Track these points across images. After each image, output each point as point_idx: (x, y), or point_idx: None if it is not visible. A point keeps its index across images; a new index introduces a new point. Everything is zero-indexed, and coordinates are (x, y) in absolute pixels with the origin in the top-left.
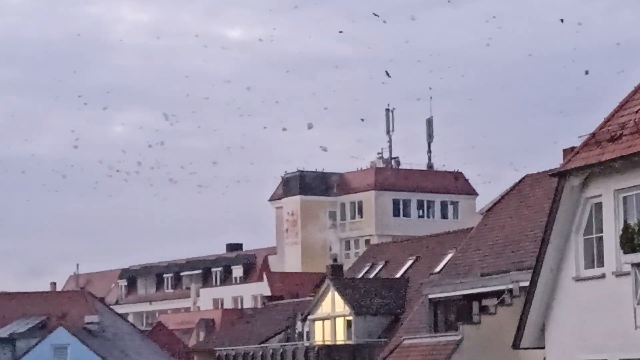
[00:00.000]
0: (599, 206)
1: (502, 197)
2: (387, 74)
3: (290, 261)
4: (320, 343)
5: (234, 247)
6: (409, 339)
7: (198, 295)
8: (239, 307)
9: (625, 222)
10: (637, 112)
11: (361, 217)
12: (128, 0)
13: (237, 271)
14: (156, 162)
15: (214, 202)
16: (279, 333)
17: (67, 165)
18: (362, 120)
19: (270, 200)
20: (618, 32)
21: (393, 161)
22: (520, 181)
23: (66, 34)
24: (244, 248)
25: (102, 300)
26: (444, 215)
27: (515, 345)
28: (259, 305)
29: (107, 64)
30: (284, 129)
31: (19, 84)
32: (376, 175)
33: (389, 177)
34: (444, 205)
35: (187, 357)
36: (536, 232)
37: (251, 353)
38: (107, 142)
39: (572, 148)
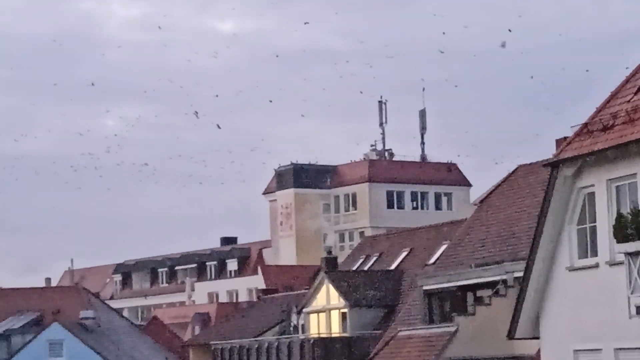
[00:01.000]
0: (592, 196)
1: (496, 188)
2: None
3: (285, 254)
4: (316, 336)
5: (228, 240)
6: (404, 330)
7: (193, 290)
8: (234, 300)
9: (618, 211)
10: (629, 101)
11: (355, 209)
12: None
13: (232, 265)
14: (150, 157)
15: (208, 196)
16: (274, 326)
17: (60, 161)
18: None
19: (264, 193)
20: (612, 23)
21: (386, 153)
22: (513, 172)
23: (57, 30)
24: (239, 242)
25: (96, 295)
26: (438, 207)
27: (510, 336)
28: (254, 299)
29: (99, 59)
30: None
31: (9, 81)
32: (370, 167)
33: (382, 169)
34: (437, 196)
35: (183, 351)
36: (530, 222)
37: (246, 346)
38: (100, 138)
39: (565, 138)
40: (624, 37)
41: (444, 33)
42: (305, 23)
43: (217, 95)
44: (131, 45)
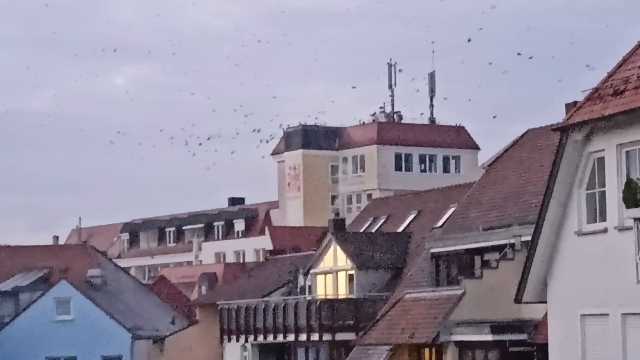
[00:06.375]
0: (601, 161)
1: (505, 152)
2: None
3: (292, 215)
4: (322, 297)
5: (236, 201)
6: (411, 293)
7: (200, 249)
8: (241, 261)
9: (627, 176)
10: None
11: (363, 171)
12: None
13: (239, 225)
14: (158, 117)
15: (216, 157)
16: (281, 287)
17: (69, 119)
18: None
19: (273, 154)
20: None
21: (395, 115)
22: (522, 135)
23: None
24: (246, 202)
25: (104, 253)
26: (446, 170)
27: (517, 300)
28: (261, 259)
29: (106, 17)
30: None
31: (19, 38)
32: (378, 130)
33: (391, 131)
34: (446, 159)
35: (189, 311)
36: (538, 186)
37: (253, 307)
38: (109, 97)
39: (575, 103)
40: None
41: None
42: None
43: (228, 57)
44: (139, 3)
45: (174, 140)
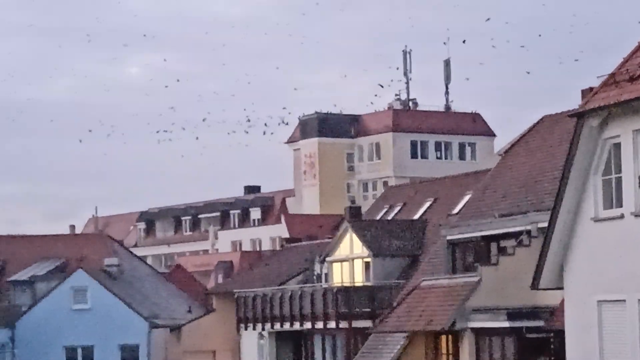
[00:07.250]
0: (617, 146)
1: (521, 138)
2: None
3: (309, 203)
4: (339, 285)
5: (251, 189)
6: (427, 280)
7: (216, 238)
8: (257, 249)
9: None
10: None
11: (379, 159)
12: None
13: (255, 213)
14: (173, 105)
15: (231, 145)
16: (298, 275)
17: (84, 108)
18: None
19: (288, 142)
20: None
21: (411, 103)
22: (538, 122)
23: None
24: (262, 190)
25: (120, 242)
26: (462, 157)
27: (534, 286)
28: (277, 248)
29: (121, 5)
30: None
31: (34, 26)
32: (394, 117)
33: (406, 118)
34: (461, 146)
35: (206, 299)
36: (555, 173)
37: (270, 295)
38: (124, 85)
39: (591, 89)
40: None
41: None
42: None
43: (240, 42)
44: None
45: (190, 129)
